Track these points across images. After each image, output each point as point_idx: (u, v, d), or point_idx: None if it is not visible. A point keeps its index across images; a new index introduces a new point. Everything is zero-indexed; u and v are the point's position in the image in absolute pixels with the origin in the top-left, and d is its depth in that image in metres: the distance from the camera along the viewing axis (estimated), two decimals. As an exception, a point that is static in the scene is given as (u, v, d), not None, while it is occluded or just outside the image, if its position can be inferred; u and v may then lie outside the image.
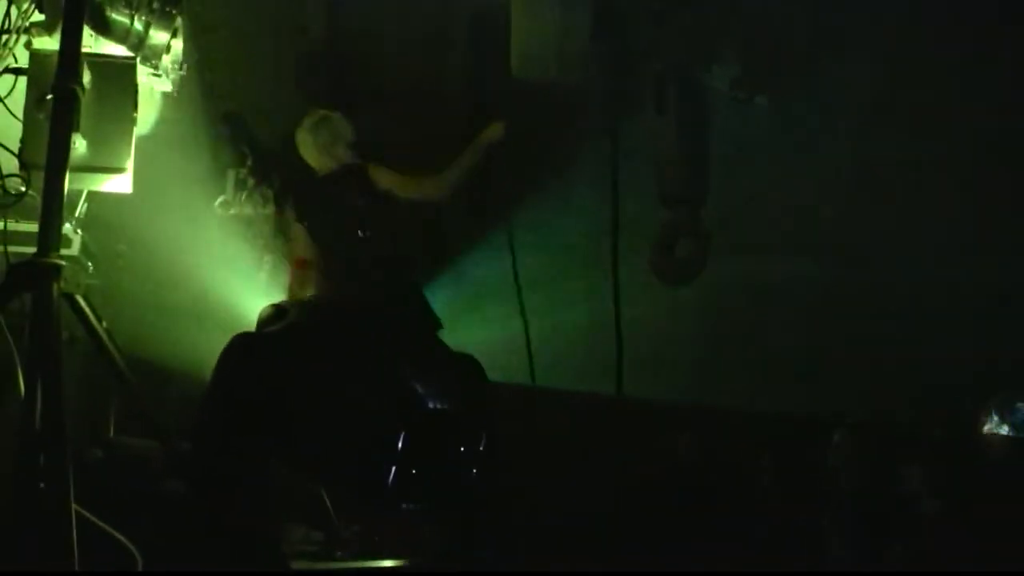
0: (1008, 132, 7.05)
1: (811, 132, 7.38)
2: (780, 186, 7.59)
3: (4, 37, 3.91)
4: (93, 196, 4.61)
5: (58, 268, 3.52)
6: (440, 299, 5.74)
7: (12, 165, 3.85)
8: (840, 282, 7.78)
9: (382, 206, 5.57)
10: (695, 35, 6.31)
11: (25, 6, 4.03)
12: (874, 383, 7.13)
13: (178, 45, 4.63)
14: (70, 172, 3.62)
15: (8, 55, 3.98)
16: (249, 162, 6.74)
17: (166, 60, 4.54)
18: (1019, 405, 5.14)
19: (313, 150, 5.85)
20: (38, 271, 3.49)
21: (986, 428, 5.21)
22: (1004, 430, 5.13)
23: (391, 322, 3.73)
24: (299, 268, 5.43)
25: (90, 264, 4.83)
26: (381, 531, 5.12)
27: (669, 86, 6.14)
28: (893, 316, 7.39)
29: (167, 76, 4.68)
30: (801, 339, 7.72)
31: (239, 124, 6.89)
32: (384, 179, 5.62)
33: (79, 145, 3.91)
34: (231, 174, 6.70)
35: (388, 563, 4.82)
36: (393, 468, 3.10)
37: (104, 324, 4.00)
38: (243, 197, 6.67)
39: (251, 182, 6.72)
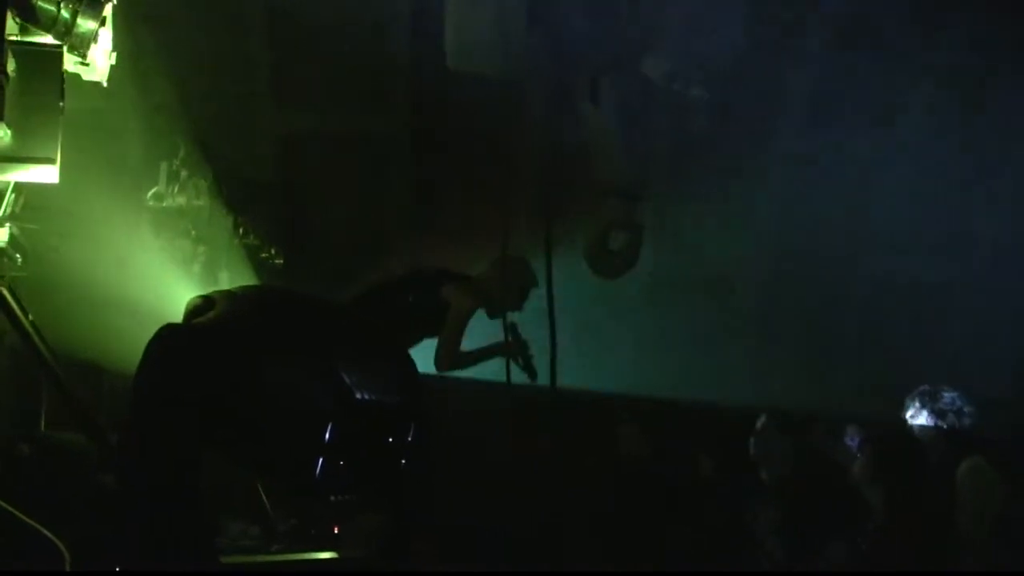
0: (950, 122, 7.16)
1: (752, 125, 7.45)
2: (723, 179, 7.66)
3: (-75, 25, 3.83)
4: (24, 188, 4.53)
5: (-19, 260, 3.46)
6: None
7: (-66, 155, 3.77)
8: (782, 274, 7.87)
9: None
10: (631, 27, 6.33)
11: (-53, -7, 3.94)
12: (818, 374, 7.21)
13: (107, 34, 4.54)
14: (-5, 162, 3.57)
15: (-70, 43, 3.89)
16: (182, 153, 6.65)
17: (95, 49, 4.45)
18: (944, 394, 5.22)
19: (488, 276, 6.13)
20: (-40, 263, 3.44)
21: (908, 415, 5.29)
22: (924, 417, 5.21)
23: (322, 313, 3.71)
24: None
25: (18, 256, 4.75)
26: (318, 524, 5.12)
27: (604, 78, 6.16)
28: (837, 308, 7.48)
29: (96, 65, 4.59)
30: (744, 331, 7.79)
31: (173, 115, 6.79)
32: (451, 295, 5.95)
33: (4, 135, 3.85)
34: (164, 166, 6.61)
35: (322, 555, 4.81)
36: (320, 460, 3.07)
37: (30, 317, 3.94)
38: (176, 189, 6.59)
39: (184, 174, 6.63)
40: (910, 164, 7.35)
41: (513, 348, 5.98)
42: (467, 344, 5.99)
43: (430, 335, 5.95)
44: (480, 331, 6.08)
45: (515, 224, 6.02)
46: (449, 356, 5.86)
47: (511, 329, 5.96)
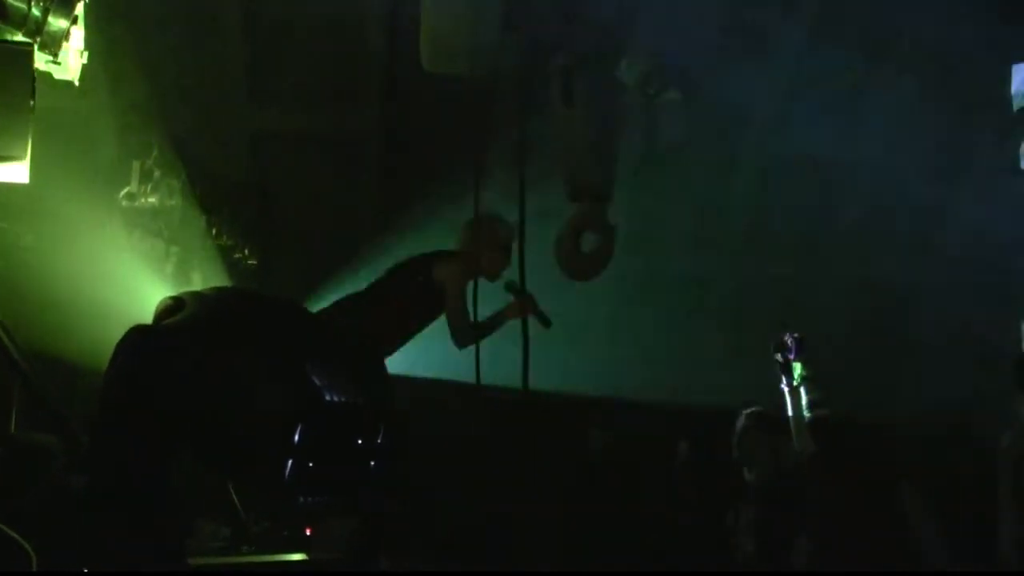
0: (911, 129, 7.22)
1: (721, 130, 7.48)
2: (691, 182, 7.70)
3: None
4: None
5: (-52, 260, 3.45)
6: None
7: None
8: (752, 277, 7.91)
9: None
10: (605, 30, 6.34)
11: (-84, -10, 3.92)
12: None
13: (79, 32, 4.52)
14: (-37, 161, 3.55)
15: (-102, 40, 3.86)
16: (155, 153, 6.63)
17: (66, 47, 4.43)
18: None
19: (468, 242, 6.04)
20: (-72, 263, 3.42)
21: None
22: None
23: (291, 315, 3.71)
24: None
25: (-12, 256, 4.73)
26: (289, 526, 5.11)
27: (577, 80, 6.17)
28: (805, 310, 7.52)
29: (67, 64, 4.57)
30: (715, 333, 7.83)
31: (146, 114, 6.76)
32: (442, 275, 5.89)
33: (-27, 134, 3.83)
34: (136, 165, 6.58)
35: (293, 557, 4.80)
36: (290, 462, 3.06)
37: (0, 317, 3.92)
38: (149, 188, 6.57)
39: (157, 173, 6.61)
40: (879, 165, 7.41)
41: (522, 306, 5.89)
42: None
43: (435, 317, 5.90)
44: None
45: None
46: (462, 331, 5.82)
47: (511, 287, 5.90)
